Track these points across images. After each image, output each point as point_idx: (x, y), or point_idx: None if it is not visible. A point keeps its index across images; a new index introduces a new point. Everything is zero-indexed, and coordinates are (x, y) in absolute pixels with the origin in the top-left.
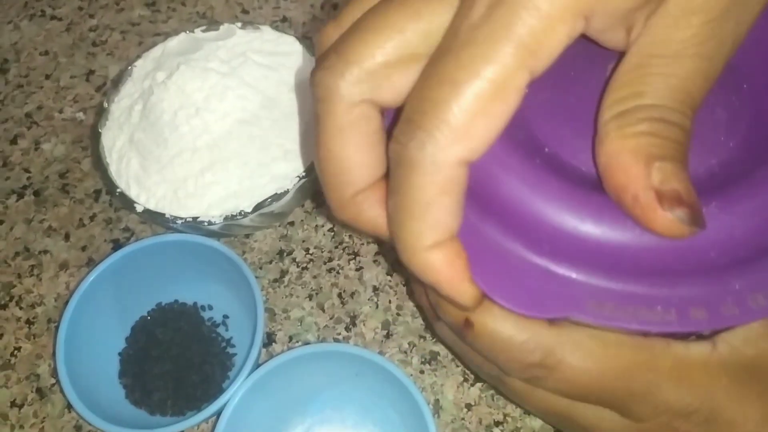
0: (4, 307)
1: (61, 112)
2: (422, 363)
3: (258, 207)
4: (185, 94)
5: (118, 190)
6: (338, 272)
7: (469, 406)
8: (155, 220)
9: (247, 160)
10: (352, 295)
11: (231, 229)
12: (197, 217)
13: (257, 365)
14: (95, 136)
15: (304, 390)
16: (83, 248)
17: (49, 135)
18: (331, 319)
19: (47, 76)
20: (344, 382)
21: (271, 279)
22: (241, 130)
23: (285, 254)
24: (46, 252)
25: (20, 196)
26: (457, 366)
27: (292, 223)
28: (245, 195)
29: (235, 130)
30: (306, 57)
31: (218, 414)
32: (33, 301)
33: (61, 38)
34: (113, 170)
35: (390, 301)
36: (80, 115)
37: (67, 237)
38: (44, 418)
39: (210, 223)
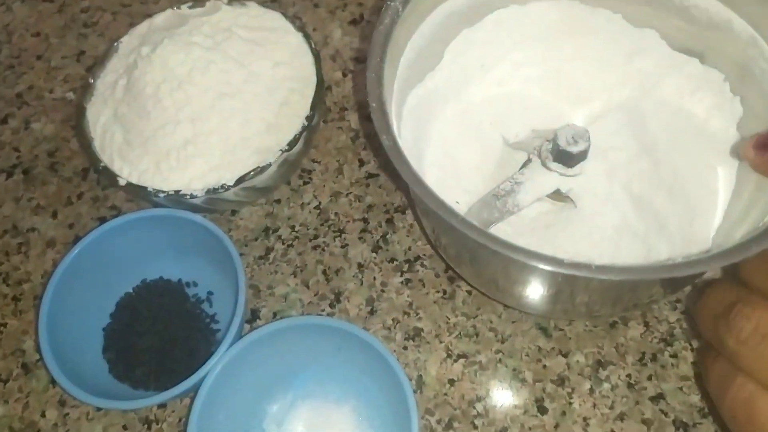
0: None
1: (51, 92)
2: (405, 339)
3: (240, 180)
4: (168, 67)
5: (102, 164)
6: (323, 249)
7: (451, 382)
8: (138, 194)
9: (230, 133)
10: (337, 272)
11: (214, 203)
12: (179, 191)
13: (239, 335)
14: (80, 112)
15: (287, 364)
16: (70, 226)
17: (39, 114)
18: (315, 295)
19: (38, 57)
20: (327, 357)
21: (257, 256)
22: (224, 103)
23: (271, 231)
24: (33, 230)
25: (9, 174)
26: (441, 342)
27: (278, 201)
28: (228, 168)
29: (217, 103)
30: (293, 33)
31: (198, 387)
32: (20, 278)
33: (53, 19)
34: (97, 145)
35: (374, 278)
36: (70, 95)
37: (54, 215)
38: (29, 392)
39: (192, 196)
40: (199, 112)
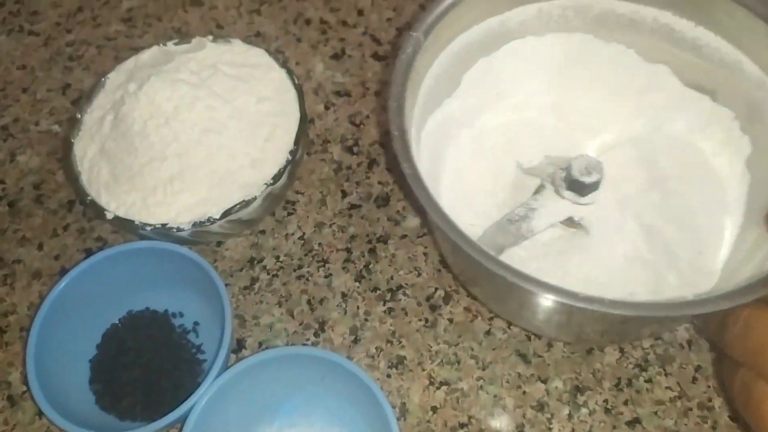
0: None
1: (37, 124)
2: (389, 367)
3: (226, 213)
4: (155, 104)
5: (89, 197)
6: (308, 279)
7: (434, 409)
8: (125, 227)
9: (216, 168)
10: (321, 301)
11: (200, 235)
12: (166, 224)
13: (225, 368)
14: (67, 146)
15: (272, 393)
16: (56, 257)
17: (25, 147)
18: (300, 325)
19: (24, 90)
20: (311, 386)
21: (242, 286)
22: (210, 139)
23: (256, 262)
24: (19, 261)
25: None
26: (423, 370)
27: (263, 232)
28: (214, 202)
29: (203, 139)
30: (276, 69)
31: (185, 418)
32: (6, 309)
33: (39, 53)
34: (84, 179)
35: (358, 307)
36: (56, 128)
37: (40, 247)
38: (14, 425)
39: (179, 229)
40: (186, 147)
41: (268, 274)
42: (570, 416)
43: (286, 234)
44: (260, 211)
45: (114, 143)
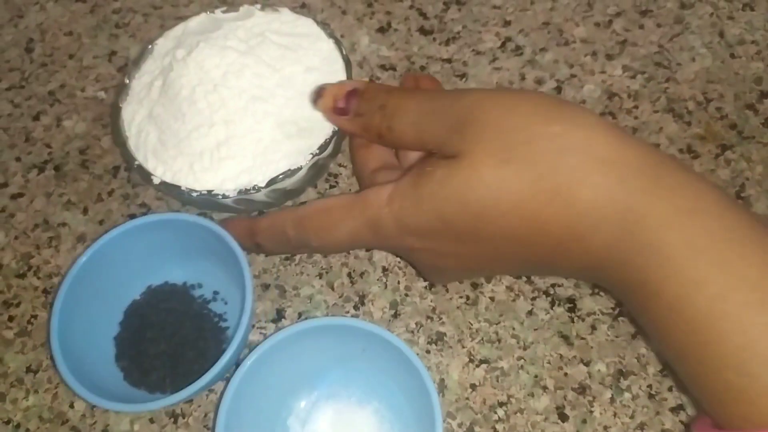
0: (23, 276)
1: (83, 90)
2: (428, 343)
3: (271, 182)
4: (204, 70)
5: (136, 162)
6: (349, 252)
7: (473, 387)
8: (171, 192)
9: (262, 136)
10: (362, 275)
11: (244, 203)
12: (212, 191)
13: (249, 331)
14: (115, 111)
15: (312, 364)
16: (101, 222)
17: (71, 113)
18: (340, 297)
19: (71, 56)
20: (352, 359)
21: (283, 257)
22: (257, 107)
23: None
24: (64, 225)
25: (41, 170)
26: (463, 347)
27: (304, 203)
28: (259, 170)
29: (250, 106)
30: (324, 39)
31: (225, 382)
32: (50, 271)
33: (85, 19)
34: (132, 144)
35: (399, 282)
36: (101, 94)
37: (85, 211)
38: (58, 384)
39: (224, 196)
40: (233, 114)
41: None
42: (612, 400)
43: None
44: (304, 182)
45: (162, 108)
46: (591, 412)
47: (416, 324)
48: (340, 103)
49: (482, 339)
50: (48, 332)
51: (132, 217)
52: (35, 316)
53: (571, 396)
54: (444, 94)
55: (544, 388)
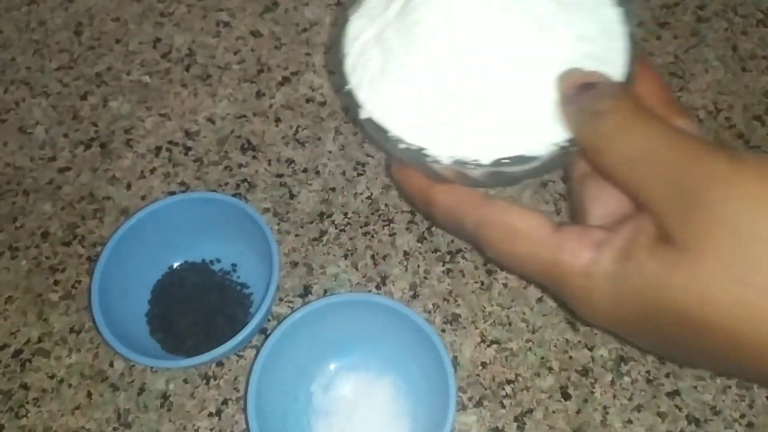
0: (68, 244)
1: (128, 74)
2: (444, 323)
3: (496, 164)
4: (452, 8)
5: (347, 87)
6: (373, 236)
7: (484, 365)
8: (376, 134)
9: (513, 102)
10: (384, 257)
11: (457, 176)
12: (423, 149)
13: (277, 292)
14: (341, 22)
15: (335, 336)
16: (143, 197)
17: (117, 94)
18: (363, 277)
19: (117, 41)
20: (372, 333)
21: (311, 237)
22: (510, 67)
23: (325, 216)
24: (108, 198)
25: (87, 147)
26: (476, 328)
27: (333, 189)
28: (488, 145)
29: (502, 65)
30: (609, 5)
31: (256, 351)
32: (95, 240)
33: (132, 7)
34: (348, 63)
35: (419, 266)
36: (146, 78)
37: (128, 186)
38: (98, 344)
39: (435, 161)
40: (478, 67)
41: (336, 228)
42: (612, 383)
43: (355, 193)
44: (531, 173)
45: (395, 34)
46: (592, 392)
47: (433, 305)
48: (571, 91)
49: (494, 321)
50: (89, 294)
51: (171, 194)
52: (79, 282)
53: (574, 377)
54: (683, 141)
55: (550, 368)
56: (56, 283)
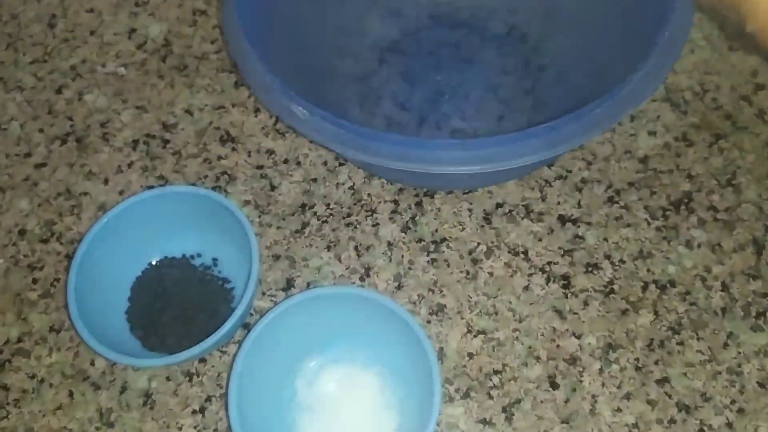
0: (46, 241)
1: (103, 66)
2: (429, 314)
3: None
4: None
5: None
6: (356, 227)
7: (470, 355)
8: None
9: None
10: (368, 248)
11: None
12: None
13: (258, 286)
14: None
15: (320, 329)
16: (120, 192)
17: (92, 87)
18: (347, 269)
19: (92, 32)
20: (357, 326)
21: (293, 230)
22: None
23: (307, 207)
24: (85, 194)
25: (63, 141)
26: (462, 318)
27: (314, 180)
28: None
29: None
30: None
31: (237, 345)
32: (72, 237)
33: None
34: None
35: (402, 256)
36: (122, 70)
37: (106, 181)
38: (79, 343)
39: None
40: None
41: (318, 219)
42: (601, 371)
43: (337, 183)
44: None
45: None
46: (581, 381)
47: (418, 296)
48: None
49: (480, 311)
50: (66, 293)
51: (150, 188)
52: (58, 279)
53: (562, 366)
54: None
55: (537, 358)
56: (35, 281)
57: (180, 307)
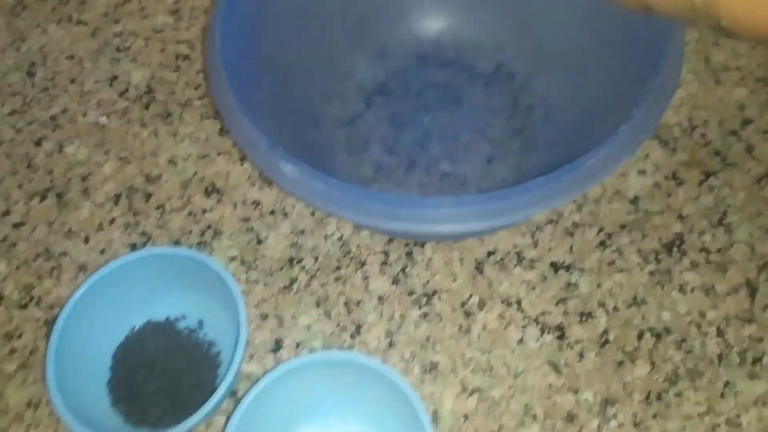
0: (24, 307)
1: (84, 115)
2: (422, 372)
3: None
4: None
5: None
6: (345, 281)
7: (466, 417)
8: None
9: None
10: (358, 303)
11: None
12: None
13: (245, 352)
14: None
15: (310, 395)
16: (102, 251)
17: (73, 138)
18: (337, 326)
19: (72, 80)
20: (348, 390)
21: (281, 286)
22: None
23: (295, 262)
24: (65, 254)
25: (42, 198)
26: (456, 377)
27: (302, 232)
28: None
29: None
30: None
31: (226, 419)
32: (52, 302)
33: (87, 43)
34: None
35: (394, 311)
36: (103, 120)
37: (86, 240)
38: (58, 419)
39: None
40: None
41: (307, 274)
42: (599, 428)
43: (325, 235)
44: None
45: None
46: None
47: (410, 353)
48: None
49: (474, 368)
50: (44, 364)
51: (133, 246)
52: (36, 348)
53: (560, 425)
54: None
55: (534, 417)
56: (12, 351)
57: (164, 376)
